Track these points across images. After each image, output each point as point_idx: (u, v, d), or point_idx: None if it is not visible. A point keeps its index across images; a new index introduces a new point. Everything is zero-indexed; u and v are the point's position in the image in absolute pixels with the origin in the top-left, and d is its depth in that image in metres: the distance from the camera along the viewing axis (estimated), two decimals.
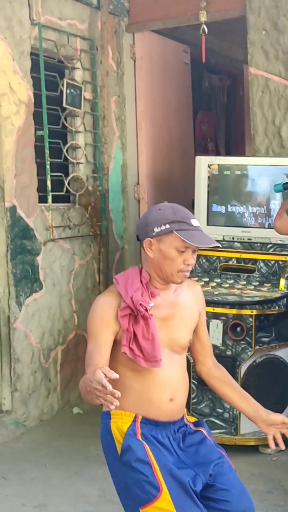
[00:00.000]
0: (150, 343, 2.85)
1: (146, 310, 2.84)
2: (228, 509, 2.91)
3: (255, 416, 3.10)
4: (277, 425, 3.03)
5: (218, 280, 5.12)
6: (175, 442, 2.96)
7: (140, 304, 2.83)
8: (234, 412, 4.84)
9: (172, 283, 2.95)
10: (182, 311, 3.00)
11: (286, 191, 4.55)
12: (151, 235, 2.86)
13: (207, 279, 5.18)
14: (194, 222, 2.89)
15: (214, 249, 4.85)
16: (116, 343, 2.90)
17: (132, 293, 2.87)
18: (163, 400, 2.92)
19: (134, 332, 2.85)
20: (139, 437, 2.90)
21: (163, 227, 2.84)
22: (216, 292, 4.93)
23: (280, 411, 4.63)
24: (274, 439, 3.05)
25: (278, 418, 3.06)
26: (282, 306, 4.79)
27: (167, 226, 2.83)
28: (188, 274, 2.94)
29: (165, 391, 2.93)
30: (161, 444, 2.92)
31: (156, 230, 2.85)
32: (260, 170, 5.29)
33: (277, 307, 4.77)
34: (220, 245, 3.09)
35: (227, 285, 5.03)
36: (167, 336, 2.91)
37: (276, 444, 3.07)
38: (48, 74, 5.41)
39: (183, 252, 2.84)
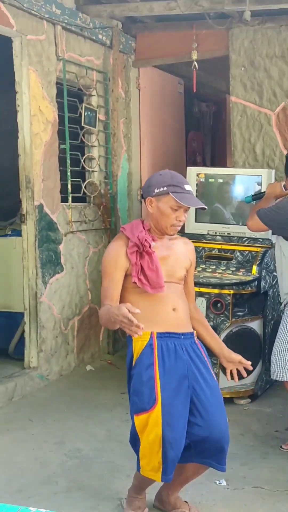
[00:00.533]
0: (154, 273, 3.03)
1: (150, 246, 3.04)
2: (207, 420, 3.06)
3: (219, 353, 3.32)
4: (235, 363, 3.30)
5: (203, 266, 5.23)
6: (186, 350, 3.08)
7: (145, 240, 3.03)
8: (214, 370, 4.60)
9: (166, 235, 3.12)
10: (177, 254, 3.19)
11: (254, 201, 4.69)
12: (152, 194, 3.04)
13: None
14: (187, 187, 3.05)
15: (200, 240, 5.10)
16: (126, 277, 3.07)
17: (138, 233, 3.06)
18: (167, 310, 3.08)
19: (141, 265, 3.02)
20: (155, 349, 3.02)
21: (161, 189, 3.01)
22: (201, 276, 5.05)
23: (250, 370, 4.79)
24: (232, 373, 3.35)
25: (236, 357, 3.31)
26: (254, 287, 4.96)
27: (165, 188, 3.00)
28: (179, 228, 3.10)
29: (168, 302, 3.08)
30: (170, 352, 3.04)
31: (156, 191, 3.02)
32: (238, 178, 5.44)
33: (249, 288, 4.95)
34: (206, 207, 3.24)
35: (210, 270, 5.18)
36: (166, 271, 3.08)
37: (232, 378, 3.35)
38: (70, 99, 5.61)
39: (176, 210, 3.00)
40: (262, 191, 4.83)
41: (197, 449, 3.11)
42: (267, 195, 4.40)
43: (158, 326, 3.04)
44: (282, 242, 4.25)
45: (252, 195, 4.81)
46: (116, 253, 3.07)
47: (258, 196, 4.66)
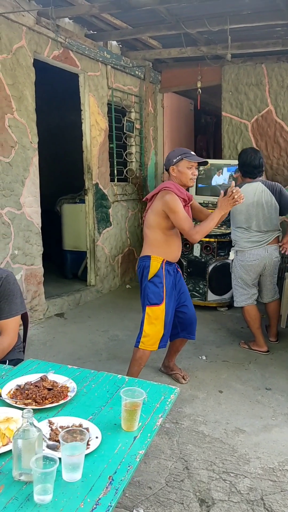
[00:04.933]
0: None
1: (190, 201, 2.99)
2: (186, 312, 3.16)
3: (218, 209, 2.86)
4: (228, 197, 2.81)
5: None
6: (174, 273, 3.08)
7: (190, 197, 2.97)
8: (205, 289, 4.96)
9: (187, 187, 2.96)
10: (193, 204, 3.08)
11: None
12: (172, 163, 2.92)
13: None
14: (193, 153, 2.95)
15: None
16: (166, 219, 2.88)
17: (184, 193, 2.92)
18: (176, 251, 3.04)
19: None
20: (164, 270, 2.98)
21: (178, 157, 2.90)
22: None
23: (228, 289, 4.89)
24: None
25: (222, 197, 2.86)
26: (229, 237, 4.43)
27: (179, 156, 2.90)
28: (195, 180, 2.96)
29: (178, 246, 3.04)
30: (170, 274, 3.02)
31: (174, 160, 2.91)
32: (226, 165, 5.32)
33: (227, 238, 4.81)
34: (207, 161, 3.01)
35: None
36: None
37: None
38: (116, 114, 5.59)
39: (190, 168, 2.90)
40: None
41: (181, 326, 3.21)
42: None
43: (168, 256, 2.99)
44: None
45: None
46: (178, 199, 2.86)
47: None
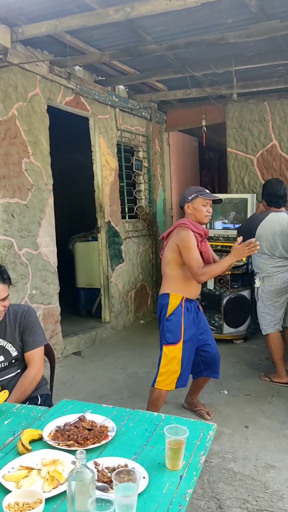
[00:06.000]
0: (206, 254, 2.97)
1: (206, 236, 3.00)
2: (210, 351, 3.13)
3: (230, 255, 2.84)
4: (244, 246, 2.77)
5: None
6: (196, 310, 3.04)
7: (206, 232, 2.99)
8: (220, 322, 4.94)
9: (201, 224, 2.98)
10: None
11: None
12: (188, 201, 2.95)
13: None
14: (207, 191, 3.00)
15: (209, 240, 4.90)
16: (180, 254, 2.86)
17: (200, 228, 2.93)
18: (196, 287, 2.99)
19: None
20: (183, 308, 2.92)
21: (193, 195, 2.94)
22: None
23: (243, 321, 4.99)
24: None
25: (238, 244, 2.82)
26: (244, 269, 4.94)
27: (195, 194, 2.94)
28: (209, 218, 2.97)
29: (197, 283, 2.98)
30: (190, 312, 2.98)
31: (189, 198, 2.95)
32: (232, 200, 5.36)
33: (241, 270, 4.93)
34: (222, 199, 3.01)
35: (216, 259, 5.21)
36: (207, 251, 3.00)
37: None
38: (125, 154, 5.68)
39: (205, 206, 2.93)
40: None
41: (204, 365, 3.16)
42: (256, 211, 4.27)
43: (187, 293, 2.96)
44: None
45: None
46: (193, 237, 2.87)
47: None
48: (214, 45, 3.71)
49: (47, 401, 2.40)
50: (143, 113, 6.01)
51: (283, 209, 3.93)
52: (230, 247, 5.07)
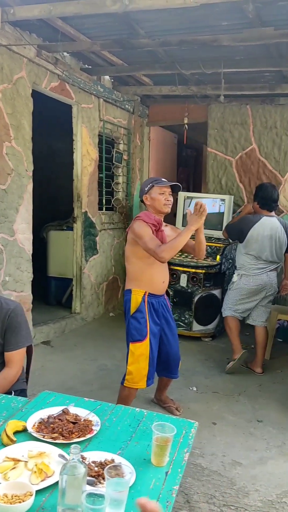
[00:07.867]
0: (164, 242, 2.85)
1: (161, 226, 2.91)
2: (169, 351, 3.09)
3: (188, 226, 2.74)
4: (196, 213, 2.71)
5: (186, 254, 5.13)
6: (161, 307, 3.01)
7: (159, 222, 2.89)
8: (190, 319, 4.99)
9: (163, 213, 2.93)
10: (169, 232, 2.99)
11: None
12: (145, 192, 2.92)
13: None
14: (163, 179, 2.94)
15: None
16: (137, 245, 2.82)
17: (153, 217, 2.87)
18: (160, 282, 2.95)
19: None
20: (146, 304, 2.90)
21: (149, 186, 2.91)
22: (185, 260, 5.06)
23: (212, 320, 5.04)
24: None
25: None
26: (217, 269, 4.96)
27: (150, 184, 2.91)
28: (170, 206, 2.89)
29: (161, 276, 2.96)
30: (155, 308, 2.95)
31: (146, 189, 2.92)
32: (209, 200, 5.35)
33: (214, 269, 4.97)
34: (180, 186, 2.93)
35: (190, 257, 5.11)
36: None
37: None
38: (106, 145, 5.66)
39: (162, 194, 2.88)
40: (239, 210, 4.79)
41: (163, 365, 3.15)
42: (242, 212, 4.36)
43: (150, 288, 2.92)
44: (239, 244, 4.20)
45: (237, 212, 4.84)
46: (145, 225, 2.82)
47: (238, 213, 4.65)
48: (207, 45, 3.73)
49: (22, 395, 2.36)
50: (126, 106, 5.98)
51: (274, 213, 4.05)
52: (210, 246, 5.12)
